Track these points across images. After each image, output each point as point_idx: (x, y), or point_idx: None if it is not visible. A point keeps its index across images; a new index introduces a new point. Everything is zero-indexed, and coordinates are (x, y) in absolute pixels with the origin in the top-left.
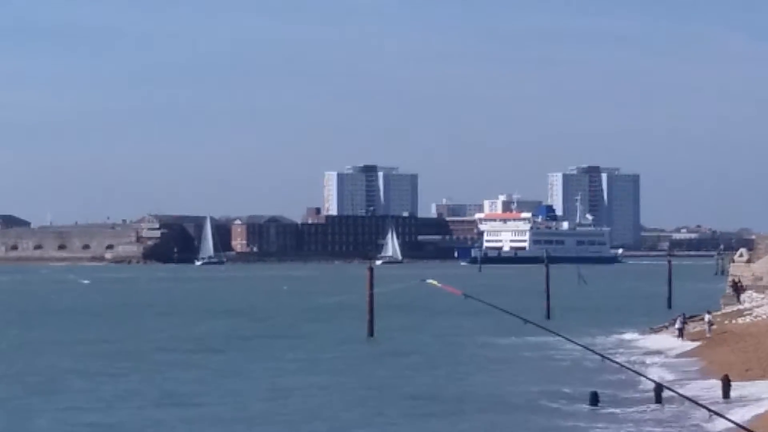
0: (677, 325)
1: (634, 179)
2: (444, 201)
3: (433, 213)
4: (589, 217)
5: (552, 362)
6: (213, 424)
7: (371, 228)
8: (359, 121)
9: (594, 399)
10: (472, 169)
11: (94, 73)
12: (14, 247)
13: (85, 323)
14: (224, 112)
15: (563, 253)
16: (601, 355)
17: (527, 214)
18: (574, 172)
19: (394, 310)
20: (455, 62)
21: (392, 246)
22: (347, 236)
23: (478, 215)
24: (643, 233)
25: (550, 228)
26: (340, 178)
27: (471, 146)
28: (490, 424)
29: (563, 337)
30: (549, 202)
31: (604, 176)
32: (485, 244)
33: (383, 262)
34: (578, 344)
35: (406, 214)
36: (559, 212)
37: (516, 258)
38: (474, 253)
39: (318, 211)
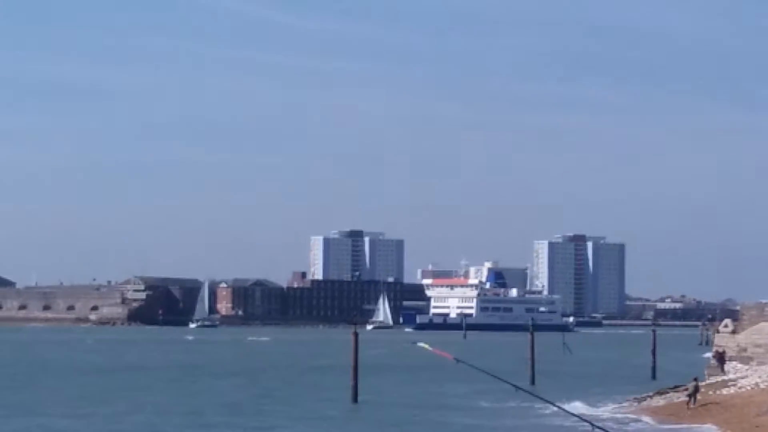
0: (689, 391)
1: (620, 248)
2: (429, 267)
3: (419, 278)
4: (539, 284)
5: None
6: None
7: (357, 293)
8: (345, 186)
9: None
10: (458, 235)
11: (80, 130)
12: None
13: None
14: (210, 175)
15: (511, 320)
16: (591, 423)
17: (474, 281)
18: (560, 240)
19: (383, 371)
20: (442, 128)
21: (383, 311)
22: (333, 300)
23: (425, 281)
24: (627, 302)
25: (498, 295)
26: (327, 242)
27: (456, 212)
28: None
29: (553, 404)
30: (534, 270)
31: (589, 245)
32: (432, 311)
33: (374, 327)
34: (568, 412)
35: (391, 279)
36: (544, 280)
37: (462, 325)
38: (419, 319)
39: (304, 275)
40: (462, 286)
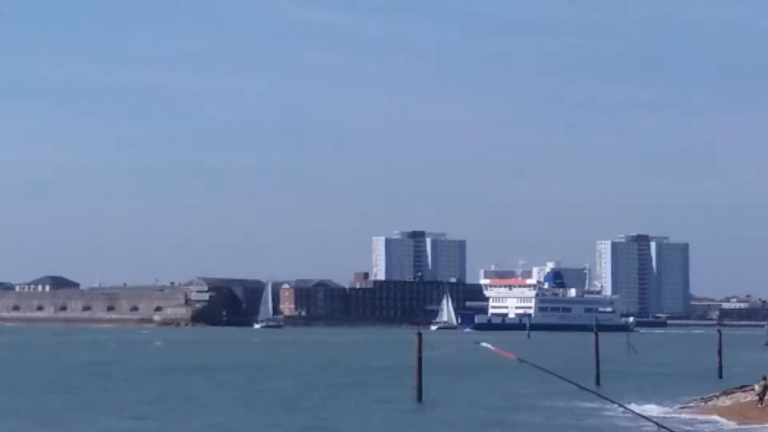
0: (757, 389)
1: (684, 248)
2: (492, 267)
3: (481, 279)
4: (598, 284)
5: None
6: None
7: (419, 293)
8: (407, 187)
9: None
10: (520, 236)
11: (144, 132)
12: (63, 308)
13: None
14: (273, 176)
15: (570, 320)
16: (657, 424)
17: (533, 281)
18: (623, 240)
19: (446, 372)
20: (502, 129)
21: (447, 311)
22: (395, 301)
23: (483, 281)
24: (692, 302)
25: (557, 295)
26: (389, 243)
27: (519, 212)
28: None
29: (618, 404)
30: (597, 270)
31: (653, 245)
32: (490, 311)
33: (438, 327)
34: (633, 412)
35: (453, 279)
36: (607, 280)
37: (521, 325)
38: (478, 319)
39: (366, 275)
40: (520, 286)
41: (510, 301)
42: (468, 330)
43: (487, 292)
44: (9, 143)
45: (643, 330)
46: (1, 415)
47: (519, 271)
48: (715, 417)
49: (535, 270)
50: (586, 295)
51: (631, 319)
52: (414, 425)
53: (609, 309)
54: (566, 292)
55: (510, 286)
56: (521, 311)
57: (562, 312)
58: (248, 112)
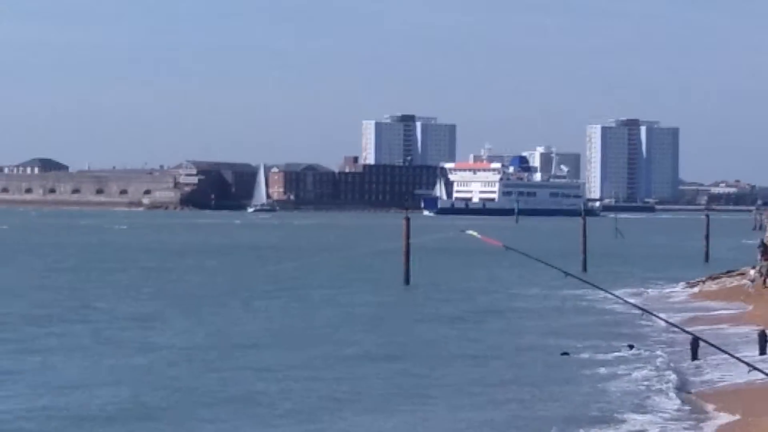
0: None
1: (674, 132)
2: (482, 152)
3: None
4: (564, 168)
5: (589, 316)
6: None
7: (408, 177)
8: (397, 71)
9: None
10: (511, 120)
11: (132, 10)
12: (52, 191)
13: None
14: (262, 59)
15: (535, 205)
16: (642, 309)
17: (497, 165)
18: (613, 124)
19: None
20: (495, 10)
21: (440, 196)
22: (384, 185)
23: (447, 165)
24: (681, 187)
25: (521, 179)
26: (378, 127)
27: (509, 96)
28: (519, 368)
29: (603, 290)
30: (587, 155)
31: (643, 129)
32: (454, 195)
33: (436, 213)
34: (619, 298)
35: (443, 164)
36: (596, 165)
37: (484, 210)
38: (440, 203)
39: (356, 159)
40: (485, 170)
41: (474, 185)
42: (429, 214)
43: (451, 176)
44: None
45: (625, 215)
46: None
47: (484, 155)
48: (703, 301)
49: (525, 154)
50: (552, 180)
51: (597, 203)
52: (399, 305)
53: (575, 194)
54: (531, 177)
55: (474, 170)
56: (485, 195)
57: (526, 197)
58: None
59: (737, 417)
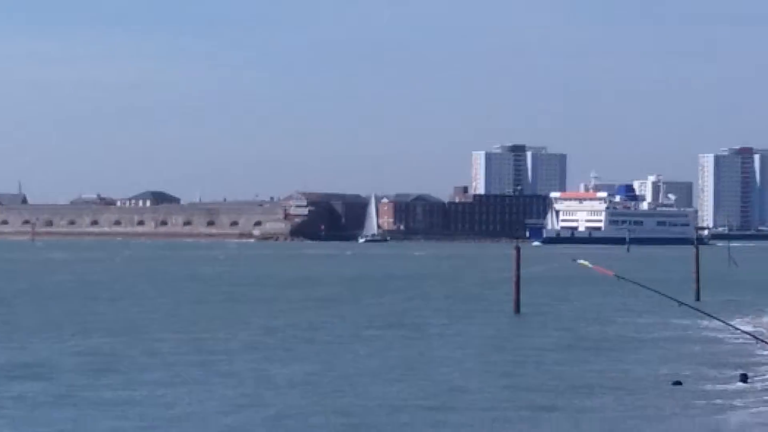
0: None
1: None
2: (592, 181)
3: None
4: (671, 197)
5: (702, 345)
6: None
7: (519, 207)
8: (508, 102)
9: (743, 378)
10: (622, 150)
11: (245, 52)
12: (164, 223)
13: None
14: (372, 93)
15: (642, 234)
16: (756, 338)
17: (603, 194)
18: (726, 153)
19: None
20: (601, 46)
21: (551, 225)
22: (494, 215)
23: (552, 194)
24: None
25: (628, 208)
26: (488, 157)
27: (619, 124)
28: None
29: (717, 318)
30: (699, 183)
31: (756, 157)
32: (560, 224)
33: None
34: (734, 327)
35: (552, 194)
36: (709, 193)
37: (590, 239)
38: (545, 233)
39: (465, 189)
40: (591, 199)
41: (580, 215)
42: (537, 243)
43: (557, 206)
44: (113, 64)
45: (738, 243)
46: None
47: (591, 184)
48: None
49: (636, 183)
50: (659, 208)
51: (706, 232)
52: (510, 335)
53: (683, 222)
54: (637, 206)
55: (580, 200)
56: (591, 224)
57: (633, 225)
58: (349, 31)
59: None
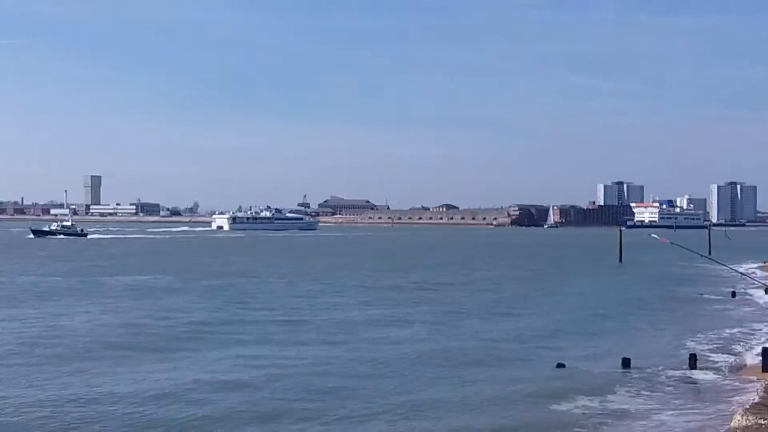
0: None
1: None
2: (651, 198)
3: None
4: (691, 206)
5: (715, 278)
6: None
7: (620, 212)
8: (617, 154)
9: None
10: (669, 176)
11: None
12: (451, 218)
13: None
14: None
15: (679, 223)
16: (742, 274)
17: (656, 204)
18: (722, 184)
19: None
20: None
21: (633, 220)
22: (609, 215)
23: (633, 204)
24: None
25: (671, 211)
26: (606, 187)
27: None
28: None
29: (723, 264)
30: (709, 200)
31: (738, 187)
32: (636, 219)
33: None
34: (736, 271)
35: (633, 204)
36: (714, 204)
37: (651, 226)
38: (630, 223)
39: (594, 202)
40: (652, 207)
41: (646, 214)
42: (624, 228)
43: (635, 210)
44: None
45: (731, 228)
46: None
47: (651, 199)
48: None
49: None
50: (686, 211)
51: (713, 221)
52: (619, 272)
53: (699, 217)
54: (675, 210)
55: (646, 207)
56: (652, 219)
57: (674, 219)
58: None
59: None
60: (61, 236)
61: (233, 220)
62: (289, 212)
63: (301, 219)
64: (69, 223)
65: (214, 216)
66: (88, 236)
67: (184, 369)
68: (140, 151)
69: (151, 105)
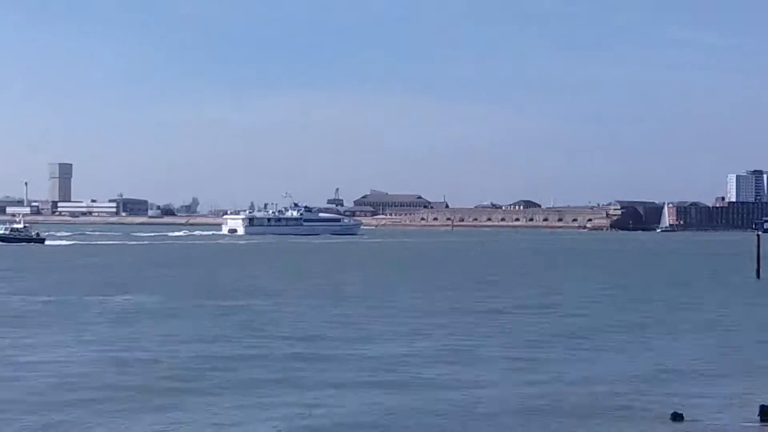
0: None
1: None
2: None
3: None
4: None
5: None
6: None
7: (757, 211)
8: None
9: None
10: None
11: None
12: (530, 219)
13: None
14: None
15: None
16: None
17: None
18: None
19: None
20: None
21: None
22: (742, 216)
23: None
24: None
25: None
26: (738, 178)
27: None
28: None
29: None
30: None
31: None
32: None
33: None
34: None
35: None
36: None
37: None
38: (765, 226)
39: (723, 199)
40: None
41: None
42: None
43: None
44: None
45: None
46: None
47: None
48: None
49: None
50: None
51: None
52: (754, 290)
53: None
54: None
55: None
56: None
57: None
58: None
59: None
60: (6, 242)
61: (250, 221)
62: (321, 211)
63: (338, 221)
64: (20, 225)
65: (225, 217)
66: (46, 242)
67: (187, 424)
68: (121, 133)
69: (137, 74)
